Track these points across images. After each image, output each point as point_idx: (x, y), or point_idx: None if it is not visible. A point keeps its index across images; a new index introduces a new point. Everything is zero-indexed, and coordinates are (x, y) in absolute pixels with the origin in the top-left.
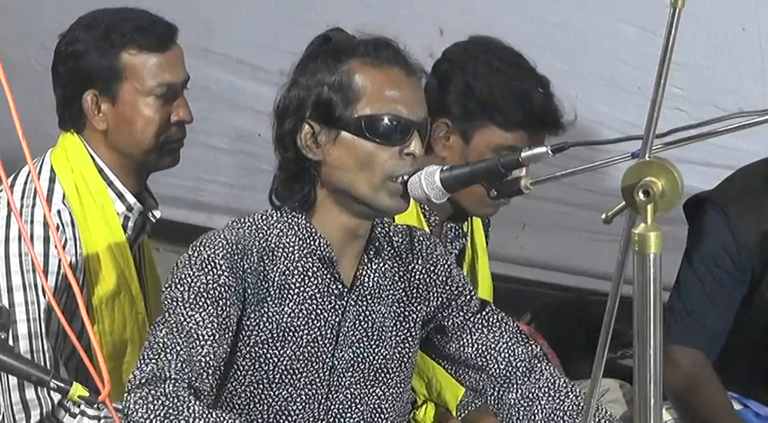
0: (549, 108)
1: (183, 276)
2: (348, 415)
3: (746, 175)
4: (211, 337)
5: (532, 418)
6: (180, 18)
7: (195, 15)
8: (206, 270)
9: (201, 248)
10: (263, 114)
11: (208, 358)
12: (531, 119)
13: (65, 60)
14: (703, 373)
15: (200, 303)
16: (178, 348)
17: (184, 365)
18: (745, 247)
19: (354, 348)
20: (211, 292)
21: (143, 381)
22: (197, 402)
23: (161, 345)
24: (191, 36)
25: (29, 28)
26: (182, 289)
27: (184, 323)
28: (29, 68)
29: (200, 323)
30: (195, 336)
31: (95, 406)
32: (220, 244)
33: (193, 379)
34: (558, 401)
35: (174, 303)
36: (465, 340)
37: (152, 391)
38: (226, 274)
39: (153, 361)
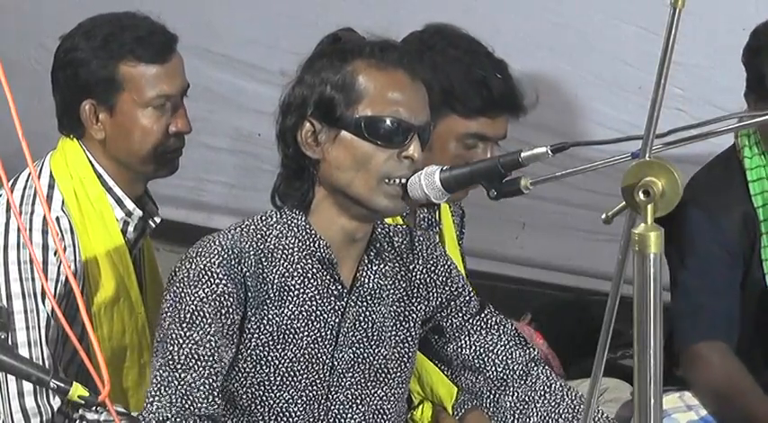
0: (508, 92)
1: (179, 293)
2: (348, 416)
3: (706, 170)
4: (212, 357)
5: (527, 421)
6: (181, 19)
7: (196, 16)
8: (202, 282)
9: (198, 259)
10: (264, 115)
11: (211, 379)
12: (490, 105)
13: (64, 67)
14: (736, 369)
15: (198, 321)
16: (176, 382)
17: (185, 399)
18: (731, 232)
19: (354, 349)
20: (211, 303)
21: None
22: None
23: (159, 380)
24: (192, 37)
25: (29, 28)
26: (179, 307)
27: (184, 346)
28: (29, 68)
29: (199, 342)
30: (195, 357)
31: (95, 408)
32: (216, 251)
33: (197, 408)
34: (553, 405)
35: (173, 326)
36: (463, 342)
37: None
38: (224, 281)
39: (156, 400)
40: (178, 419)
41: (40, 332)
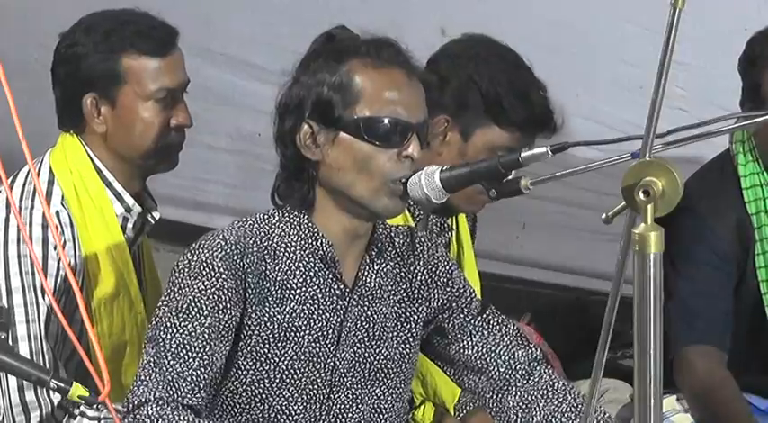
0: (547, 110)
1: (179, 283)
2: (349, 415)
3: (700, 175)
4: (203, 349)
5: (530, 420)
6: (181, 18)
7: (196, 15)
8: (202, 274)
9: (200, 251)
10: (264, 114)
11: (199, 371)
12: (531, 120)
13: (64, 62)
14: (718, 375)
15: (194, 313)
16: (164, 369)
17: (170, 386)
18: (725, 238)
19: (356, 348)
20: (210, 297)
21: (131, 407)
22: (186, 417)
23: (151, 365)
24: (192, 36)
25: (29, 28)
26: (178, 297)
27: (177, 335)
28: (29, 68)
29: (193, 334)
30: (187, 348)
31: (95, 406)
32: (218, 245)
33: (181, 397)
34: (555, 404)
35: (169, 315)
36: (465, 342)
37: (137, 415)
38: (224, 276)
39: (144, 383)
40: (160, 403)
41: (39, 326)
